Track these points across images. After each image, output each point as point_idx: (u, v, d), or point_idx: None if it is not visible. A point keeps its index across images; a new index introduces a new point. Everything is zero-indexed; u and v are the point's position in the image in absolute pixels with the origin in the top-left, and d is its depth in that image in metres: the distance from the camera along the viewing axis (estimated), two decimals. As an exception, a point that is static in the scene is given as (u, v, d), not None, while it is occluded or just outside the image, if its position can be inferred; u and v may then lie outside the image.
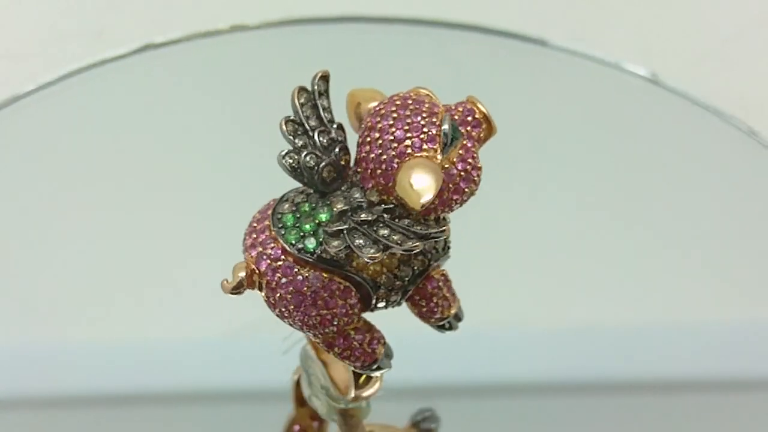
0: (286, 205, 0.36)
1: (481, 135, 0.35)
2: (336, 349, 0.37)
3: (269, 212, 0.36)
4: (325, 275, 0.35)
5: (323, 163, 0.35)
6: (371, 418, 0.44)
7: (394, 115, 0.34)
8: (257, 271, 0.35)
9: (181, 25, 0.63)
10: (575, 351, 0.48)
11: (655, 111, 0.59)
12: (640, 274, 0.52)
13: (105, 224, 0.53)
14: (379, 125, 0.34)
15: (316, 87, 0.36)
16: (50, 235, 0.53)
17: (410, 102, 0.34)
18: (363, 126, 0.35)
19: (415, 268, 0.36)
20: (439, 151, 0.34)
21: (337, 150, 0.35)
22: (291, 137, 0.35)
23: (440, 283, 0.37)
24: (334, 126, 0.36)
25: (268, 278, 0.35)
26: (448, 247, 0.37)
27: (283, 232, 0.35)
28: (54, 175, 0.56)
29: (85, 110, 0.59)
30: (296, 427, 0.44)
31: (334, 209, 0.35)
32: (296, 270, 0.35)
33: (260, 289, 0.36)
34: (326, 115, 0.36)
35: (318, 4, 0.63)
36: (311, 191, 0.36)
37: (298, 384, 0.44)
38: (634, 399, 0.47)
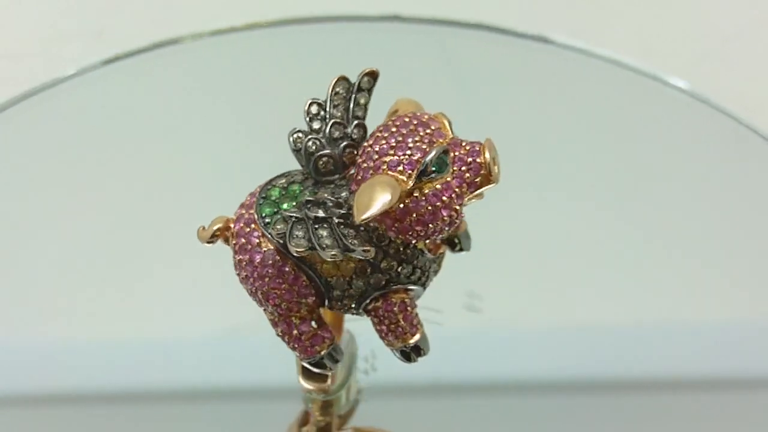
0: (282, 180, 0.36)
1: (476, 180, 0.34)
2: (277, 330, 0.37)
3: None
4: (278, 257, 0.35)
5: (322, 153, 0.35)
6: (366, 416, 0.44)
7: (393, 129, 0.34)
8: (231, 229, 0.36)
9: (181, 25, 0.63)
10: (575, 350, 0.48)
11: (656, 109, 0.59)
12: (641, 273, 0.52)
13: (105, 224, 0.53)
14: (378, 135, 0.35)
15: (359, 81, 0.36)
16: (50, 235, 0.53)
17: (415, 122, 0.34)
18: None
19: (371, 282, 0.36)
20: (412, 177, 0.33)
21: (343, 145, 0.35)
22: (308, 118, 0.36)
23: (395, 308, 0.36)
24: (355, 123, 0.36)
25: (235, 240, 0.36)
26: (423, 281, 0.36)
27: (261, 203, 0.36)
28: (54, 176, 0.56)
29: (86, 111, 0.59)
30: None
31: (303, 198, 0.35)
32: (258, 242, 0.35)
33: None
34: (357, 111, 0.36)
35: (318, 3, 0.63)
36: (309, 176, 0.36)
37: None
38: (635, 398, 0.47)
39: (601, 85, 0.60)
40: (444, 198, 0.34)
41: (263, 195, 0.36)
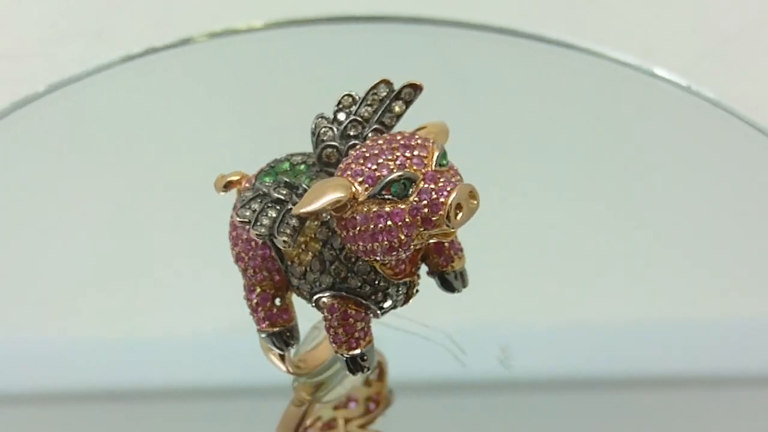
0: (298, 158, 0.36)
1: (432, 218, 0.33)
2: (244, 295, 0.38)
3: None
4: None
5: (330, 144, 0.35)
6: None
7: (380, 142, 0.34)
8: (242, 184, 0.36)
9: (181, 25, 0.63)
10: (576, 348, 0.48)
11: (656, 108, 0.59)
12: (641, 272, 0.52)
13: (104, 224, 0.53)
14: (366, 143, 0.34)
15: (399, 90, 0.36)
16: (49, 235, 0.53)
17: (402, 143, 0.34)
18: None
19: (321, 279, 0.36)
20: (368, 191, 0.33)
21: (351, 143, 0.35)
22: (337, 108, 0.36)
23: (337, 314, 0.36)
24: (373, 128, 0.36)
25: (236, 197, 0.36)
26: (377, 301, 0.36)
27: (266, 170, 0.36)
28: (53, 176, 0.56)
29: (85, 113, 0.59)
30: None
31: (291, 178, 0.35)
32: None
33: None
34: (386, 117, 0.36)
35: (317, 5, 0.63)
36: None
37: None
38: (635, 396, 0.47)
39: (601, 85, 0.60)
40: (388, 223, 0.33)
41: (272, 164, 0.36)
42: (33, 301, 0.49)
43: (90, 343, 0.48)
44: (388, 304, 0.36)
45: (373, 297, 0.36)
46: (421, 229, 0.33)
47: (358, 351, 0.36)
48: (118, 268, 0.51)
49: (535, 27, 0.61)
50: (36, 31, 0.68)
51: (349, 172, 0.33)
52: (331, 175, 0.35)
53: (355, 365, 0.36)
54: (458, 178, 0.34)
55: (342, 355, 0.36)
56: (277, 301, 0.38)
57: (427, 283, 0.37)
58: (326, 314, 0.36)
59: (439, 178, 0.33)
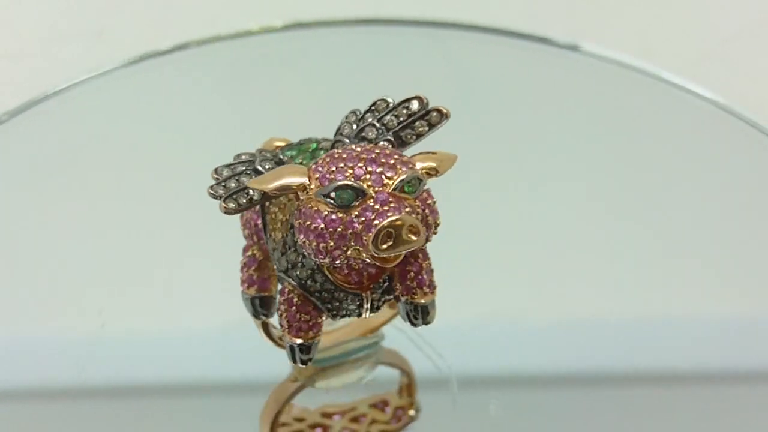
0: (327, 143, 0.37)
1: (362, 235, 0.33)
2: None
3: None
4: None
5: (339, 139, 0.36)
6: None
7: (358, 149, 0.34)
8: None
9: (181, 25, 0.63)
10: (576, 345, 0.48)
11: (656, 108, 0.59)
12: (642, 269, 0.52)
13: (104, 223, 0.53)
14: (349, 148, 0.34)
15: (427, 111, 0.36)
16: (49, 234, 0.53)
17: (374, 157, 0.33)
18: None
19: (284, 258, 0.36)
20: (318, 188, 0.33)
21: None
22: (370, 107, 0.36)
23: (283, 298, 0.36)
24: (390, 137, 0.36)
25: None
26: (327, 300, 0.36)
27: (293, 145, 0.37)
28: (53, 176, 0.56)
29: (86, 114, 0.59)
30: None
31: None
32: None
33: None
34: (407, 134, 0.36)
35: (319, 8, 0.63)
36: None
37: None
38: (635, 393, 0.47)
39: (601, 85, 0.60)
40: (321, 226, 0.33)
41: (302, 141, 0.37)
42: (33, 298, 0.49)
43: (90, 342, 0.48)
44: (336, 307, 0.36)
45: (317, 294, 0.35)
46: (352, 245, 0.33)
47: (298, 341, 0.36)
48: (117, 268, 0.51)
49: (536, 28, 0.61)
50: (36, 31, 0.68)
51: (314, 167, 0.34)
52: None
53: (292, 354, 0.36)
54: (412, 210, 0.33)
55: (286, 340, 0.37)
56: (256, 268, 0.39)
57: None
58: (278, 296, 0.36)
59: (389, 202, 0.33)
